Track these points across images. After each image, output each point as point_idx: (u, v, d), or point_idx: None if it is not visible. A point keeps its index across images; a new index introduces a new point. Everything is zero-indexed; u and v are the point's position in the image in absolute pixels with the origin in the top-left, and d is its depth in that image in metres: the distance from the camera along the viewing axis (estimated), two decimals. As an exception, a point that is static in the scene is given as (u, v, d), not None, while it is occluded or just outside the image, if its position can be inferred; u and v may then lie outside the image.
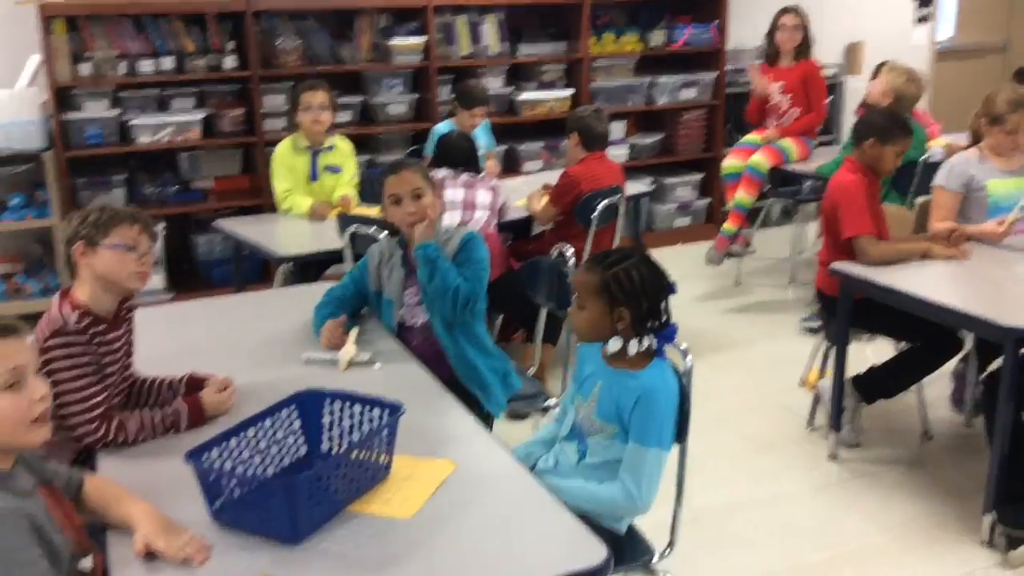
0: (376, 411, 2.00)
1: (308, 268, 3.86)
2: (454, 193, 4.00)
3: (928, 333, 3.40)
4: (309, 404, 2.05)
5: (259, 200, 5.20)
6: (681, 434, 2.16)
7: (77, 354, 2.10)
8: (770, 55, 5.31)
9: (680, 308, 2.42)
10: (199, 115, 5.11)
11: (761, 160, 5.09)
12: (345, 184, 4.43)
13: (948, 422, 3.82)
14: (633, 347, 2.09)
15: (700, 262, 5.38)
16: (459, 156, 4.16)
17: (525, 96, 5.79)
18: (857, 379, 3.54)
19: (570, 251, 3.07)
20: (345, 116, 5.32)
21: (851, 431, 3.56)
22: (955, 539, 3.02)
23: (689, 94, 6.19)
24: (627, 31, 6.09)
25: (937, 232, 3.48)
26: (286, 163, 4.43)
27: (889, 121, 3.51)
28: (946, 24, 7.79)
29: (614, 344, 2.10)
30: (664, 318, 2.11)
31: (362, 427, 2.01)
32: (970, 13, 7.92)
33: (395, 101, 5.54)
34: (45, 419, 1.65)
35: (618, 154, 5.90)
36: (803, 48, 5.18)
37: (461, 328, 2.74)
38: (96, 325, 2.16)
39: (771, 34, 5.27)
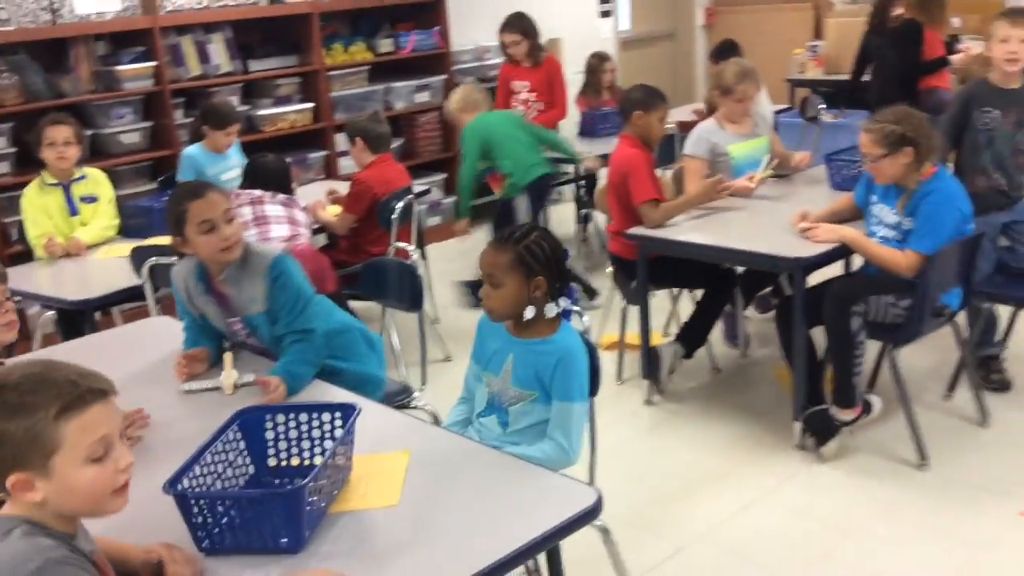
0: (327, 415, 1.99)
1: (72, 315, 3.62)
2: (274, 209, 3.88)
3: (710, 277, 3.88)
4: (250, 422, 1.99)
5: None
6: (594, 387, 2.35)
7: None
8: (512, 61, 5.67)
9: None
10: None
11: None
12: (102, 213, 4.18)
13: (728, 356, 4.33)
14: (551, 310, 2.25)
15: (463, 256, 5.61)
16: (272, 177, 4.03)
17: (264, 112, 5.70)
18: (679, 338, 3.94)
19: (412, 248, 3.16)
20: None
21: (668, 379, 3.95)
22: (772, 449, 3.49)
23: (423, 97, 6.41)
24: (354, 41, 6.18)
25: (704, 186, 3.92)
26: (36, 205, 4.12)
27: (647, 93, 3.92)
28: (624, 17, 8.63)
29: (529, 312, 2.24)
30: (568, 281, 2.30)
31: (311, 433, 2.00)
32: (640, 7, 8.84)
33: (127, 130, 5.23)
34: (126, 487, 1.52)
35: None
36: (534, 53, 5.58)
37: None
38: None
39: (503, 47, 5.65)
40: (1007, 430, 3.48)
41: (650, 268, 3.76)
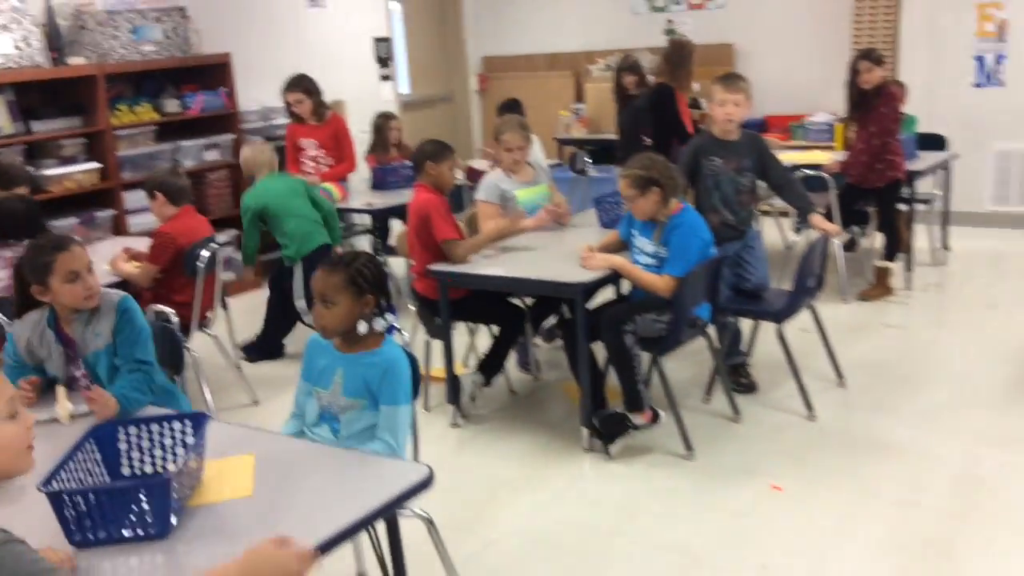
0: (177, 424, 2.20)
1: None
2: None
3: (503, 312, 4.31)
4: (104, 436, 2.16)
5: None
6: (416, 391, 2.67)
7: None
8: (297, 120, 5.93)
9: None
10: None
11: (310, 205, 5.67)
12: None
13: (522, 380, 4.77)
14: (380, 324, 2.56)
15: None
16: (17, 220, 4.06)
17: (49, 172, 5.65)
18: (480, 367, 4.32)
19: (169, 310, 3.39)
20: None
21: (470, 404, 4.31)
22: (565, 453, 3.92)
23: (212, 156, 6.54)
24: (139, 101, 6.24)
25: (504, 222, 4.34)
26: None
27: (437, 146, 4.33)
28: (404, 81, 9.12)
29: (362, 327, 2.55)
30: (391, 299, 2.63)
31: (163, 442, 2.20)
32: (418, 72, 9.38)
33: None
34: (32, 448, 1.70)
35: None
36: (318, 110, 5.89)
37: None
38: None
39: (287, 107, 5.91)
40: (756, 423, 4.11)
41: (451, 306, 4.14)
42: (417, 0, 9.27)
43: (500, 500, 3.59)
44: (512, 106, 6.19)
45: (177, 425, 2.20)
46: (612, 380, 3.99)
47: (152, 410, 2.60)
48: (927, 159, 6.02)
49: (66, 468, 1.98)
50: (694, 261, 3.76)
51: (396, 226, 6.20)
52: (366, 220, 6.43)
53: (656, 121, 6.24)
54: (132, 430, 2.18)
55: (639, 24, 8.90)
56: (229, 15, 7.00)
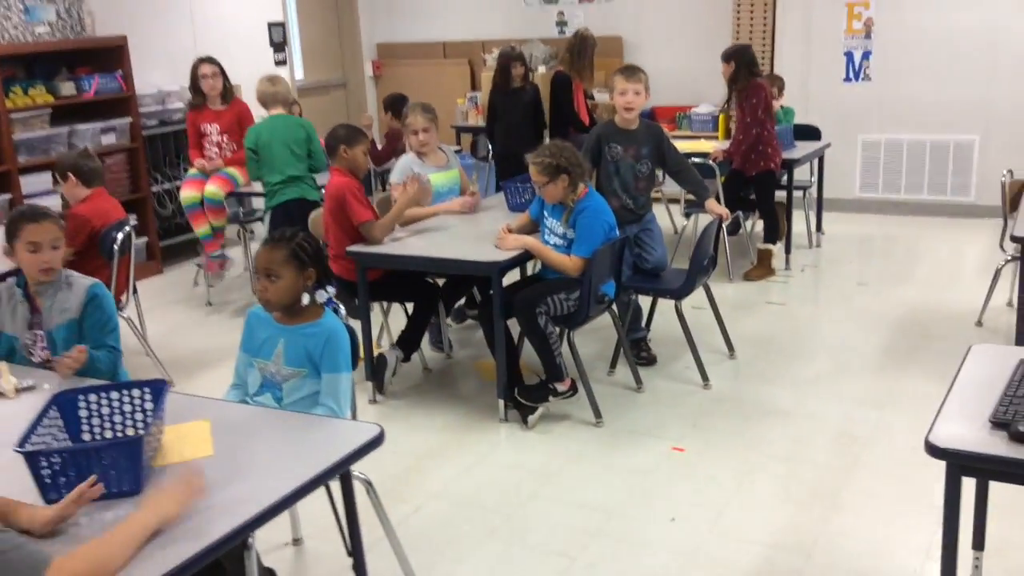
0: (136, 391, 2.30)
1: None
2: None
3: (417, 291, 4.48)
4: (65, 403, 2.25)
5: None
6: (354, 361, 2.83)
7: None
8: (198, 102, 5.91)
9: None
10: None
11: (215, 189, 5.70)
12: None
13: (436, 358, 4.95)
14: (322, 296, 2.71)
15: (173, 293, 5.79)
16: None
17: (-59, 156, 5.50)
18: (398, 342, 4.47)
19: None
20: None
21: (390, 380, 4.46)
22: (482, 424, 4.14)
23: (109, 139, 6.45)
24: (33, 84, 6.10)
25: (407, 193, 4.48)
26: None
27: (349, 130, 4.44)
28: (298, 67, 9.12)
29: (305, 299, 2.69)
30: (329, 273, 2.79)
31: (123, 408, 2.30)
32: (312, 58, 9.38)
33: None
34: None
35: (52, 204, 5.92)
36: (227, 92, 5.90)
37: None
38: None
39: (194, 84, 5.87)
40: (657, 393, 4.41)
41: (368, 286, 4.28)
42: (311, -14, 9.27)
43: (424, 468, 3.78)
44: (398, 100, 6.34)
45: (136, 392, 2.30)
46: (523, 357, 4.23)
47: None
48: (804, 148, 6.48)
49: (36, 432, 2.07)
50: (599, 242, 4.02)
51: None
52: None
53: (554, 109, 6.50)
54: (92, 397, 2.28)
55: (532, 15, 9.16)
56: (124, -3, 6.90)
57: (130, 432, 2.28)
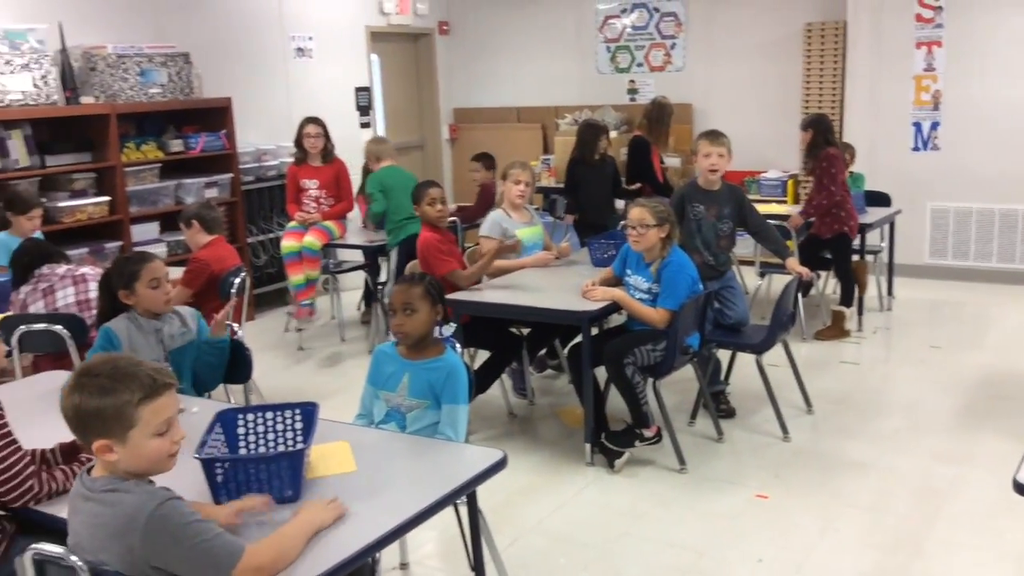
0: (289, 412, 2.56)
1: None
2: (63, 281, 4.24)
3: (502, 340, 4.72)
4: (227, 420, 2.51)
5: None
6: (471, 394, 3.07)
7: (5, 425, 2.28)
8: (300, 158, 6.30)
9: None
10: None
11: (313, 241, 6.05)
12: None
13: (519, 404, 5.16)
14: (448, 330, 2.97)
15: (265, 338, 6.10)
16: (46, 255, 4.38)
17: (62, 204, 5.92)
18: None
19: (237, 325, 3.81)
20: None
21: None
22: (568, 467, 4.33)
23: (212, 193, 6.86)
24: (146, 140, 6.55)
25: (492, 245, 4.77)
26: None
27: (417, 188, 4.77)
28: (381, 129, 9.55)
29: (436, 332, 2.95)
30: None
31: (276, 427, 2.55)
32: (394, 121, 9.83)
33: (-74, 219, 5.27)
34: (176, 455, 2.00)
35: (157, 251, 6.32)
36: (327, 151, 6.28)
37: None
38: None
39: (299, 142, 6.27)
40: (737, 443, 4.56)
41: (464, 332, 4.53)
42: (395, 53, 9.74)
43: (517, 504, 3.97)
44: (488, 156, 6.71)
45: (289, 413, 2.55)
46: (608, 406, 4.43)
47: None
48: (875, 214, 6.65)
49: (208, 443, 2.33)
50: (685, 295, 4.23)
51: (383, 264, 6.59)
52: (357, 257, 6.84)
53: (632, 170, 6.78)
54: (250, 416, 2.53)
55: (604, 82, 9.51)
56: (227, 62, 7.39)
57: (280, 450, 2.52)
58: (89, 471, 1.99)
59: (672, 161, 8.09)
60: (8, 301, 4.22)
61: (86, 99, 6.17)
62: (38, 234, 5.08)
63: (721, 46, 8.81)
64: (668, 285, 4.24)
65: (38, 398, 3.21)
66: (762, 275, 6.57)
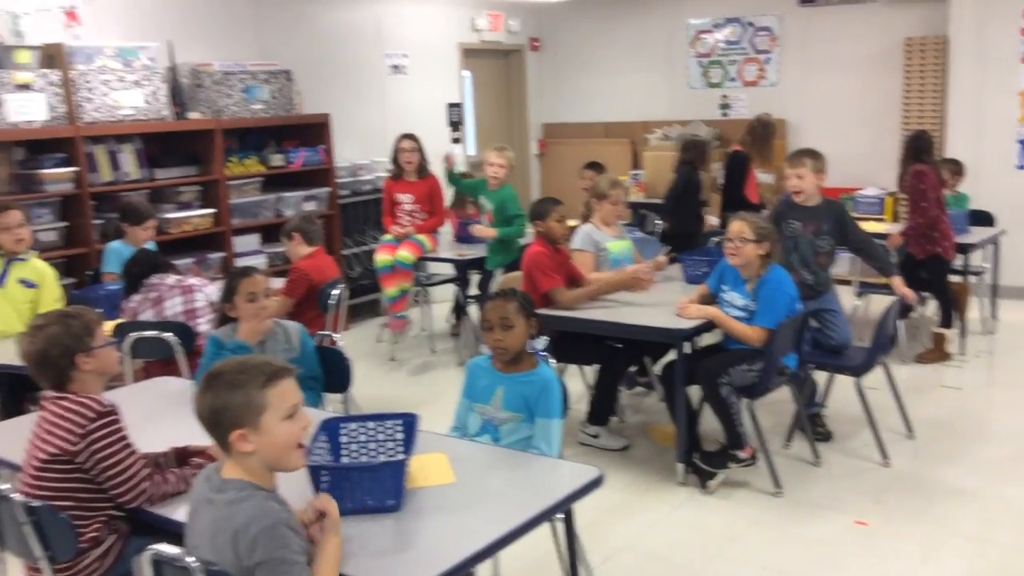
0: (390, 422, 2.61)
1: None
2: (172, 291, 4.42)
3: (600, 353, 4.70)
4: (331, 428, 2.57)
5: None
6: (564, 408, 3.08)
7: (121, 428, 2.38)
8: (395, 173, 6.42)
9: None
10: None
11: (406, 254, 6.16)
12: (47, 302, 4.47)
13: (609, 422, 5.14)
14: (541, 343, 2.99)
15: (358, 348, 6.22)
16: (156, 265, 4.55)
17: (169, 216, 6.14)
18: (588, 417, 4.72)
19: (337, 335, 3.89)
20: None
21: (613, 440, 4.72)
22: (660, 486, 4.29)
23: (310, 206, 7.03)
24: (248, 155, 6.77)
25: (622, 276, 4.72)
26: None
27: (541, 204, 4.74)
28: (471, 144, 9.66)
29: (529, 346, 2.97)
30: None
31: (377, 436, 2.60)
32: (484, 137, 9.91)
33: (44, 229, 5.53)
34: (303, 448, 2.06)
35: (257, 263, 6.51)
36: (423, 167, 6.39)
37: None
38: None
39: (395, 158, 6.39)
40: (834, 467, 4.46)
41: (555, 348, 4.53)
42: (486, 69, 9.85)
43: (608, 522, 3.95)
44: (596, 165, 6.72)
45: (390, 423, 2.60)
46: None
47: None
48: (978, 234, 6.43)
49: (313, 450, 2.39)
50: (783, 314, 4.15)
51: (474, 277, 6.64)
52: (446, 270, 6.92)
53: (728, 187, 6.71)
54: (353, 425, 2.59)
55: (695, 97, 9.44)
56: (326, 79, 7.58)
57: (382, 459, 2.57)
58: (219, 470, 2.06)
59: (765, 178, 7.97)
60: (120, 309, 4.40)
61: (193, 114, 6.40)
62: (151, 244, 5.28)
63: (817, 61, 8.67)
64: (766, 303, 4.17)
65: (149, 403, 3.35)
66: (860, 295, 6.41)
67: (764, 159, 6.60)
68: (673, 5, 9.39)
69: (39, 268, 4.57)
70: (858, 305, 6.28)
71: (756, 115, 7.04)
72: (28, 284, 4.49)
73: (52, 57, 5.62)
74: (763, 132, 6.62)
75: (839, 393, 4.86)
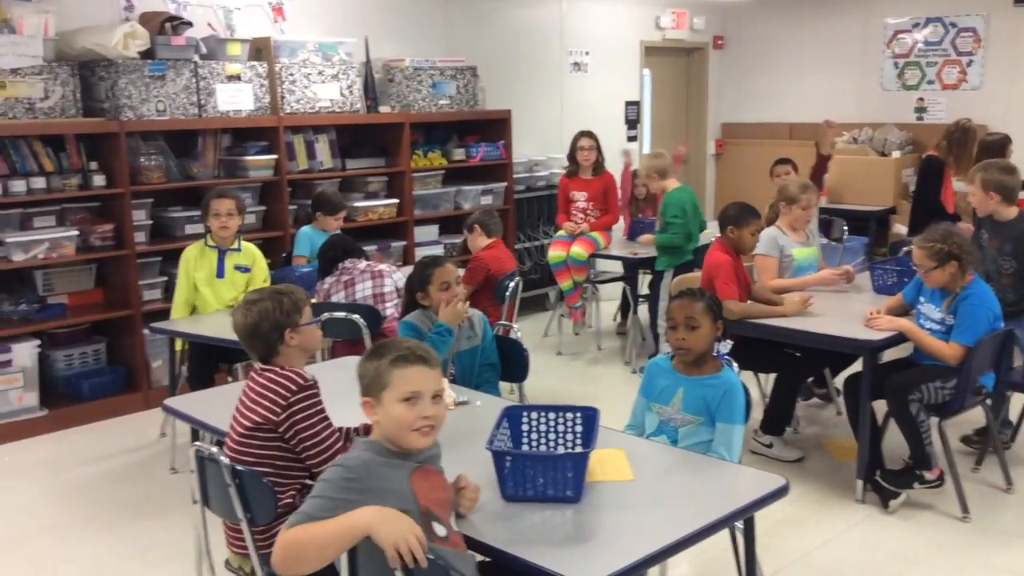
0: (570, 415, 2.63)
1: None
2: (363, 275, 4.64)
3: (783, 361, 4.57)
4: (513, 416, 2.63)
5: (112, 313, 5.37)
6: (747, 415, 3.02)
7: (320, 402, 2.52)
8: (571, 170, 6.46)
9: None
10: (71, 232, 5.16)
11: (579, 251, 6.20)
12: (258, 282, 4.78)
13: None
14: (726, 347, 2.95)
15: (525, 341, 6.29)
16: (350, 250, 4.76)
17: (357, 204, 6.42)
18: (762, 425, 4.62)
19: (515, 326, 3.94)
20: (198, 228, 5.55)
21: (788, 451, 4.62)
22: (837, 502, 4.14)
23: (487, 200, 7.18)
24: (432, 148, 6.98)
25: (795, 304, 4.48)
26: (188, 266, 4.73)
27: (740, 211, 4.57)
28: (647, 143, 9.59)
29: (713, 348, 2.94)
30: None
31: (557, 427, 2.63)
32: (660, 135, 9.83)
33: (247, 212, 5.87)
34: (428, 432, 2.11)
35: (434, 252, 6.71)
36: (599, 164, 6.40)
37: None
38: None
39: (572, 155, 6.43)
40: (1028, 496, 4.18)
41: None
42: (667, 67, 9.75)
43: (780, 534, 3.85)
44: (786, 161, 6.57)
45: (570, 415, 2.63)
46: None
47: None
48: None
49: (496, 437, 2.45)
50: (983, 331, 3.91)
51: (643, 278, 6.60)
52: (616, 268, 6.91)
53: (920, 193, 6.39)
54: (534, 415, 2.63)
55: (888, 99, 9.03)
56: (509, 75, 7.72)
57: (561, 450, 2.60)
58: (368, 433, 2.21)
59: (960, 186, 7.52)
60: (314, 290, 4.64)
61: (384, 108, 6.66)
62: (338, 231, 5.54)
63: (1028, 64, 8.10)
64: (964, 319, 3.93)
65: (338, 380, 3.50)
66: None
67: (961, 167, 6.22)
68: (870, 3, 9.01)
69: (251, 252, 4.88)
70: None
71: (955, 120, 6.64)
72: (243, 269, 4.82)
73: (260, 50, 5.99)
74: (962, 138, 6.25)
75: (1039, 418, 4.54)
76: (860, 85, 9.19)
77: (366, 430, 2.74)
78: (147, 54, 5.41)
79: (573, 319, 6.40)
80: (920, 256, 3.98)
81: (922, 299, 4.16)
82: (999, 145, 6.28)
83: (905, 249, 5.78)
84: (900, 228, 7.42)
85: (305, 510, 2.00)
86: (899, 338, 4.11)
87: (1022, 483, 4.26)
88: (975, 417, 4.38)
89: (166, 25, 5.50)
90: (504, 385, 3.96)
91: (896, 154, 8.58)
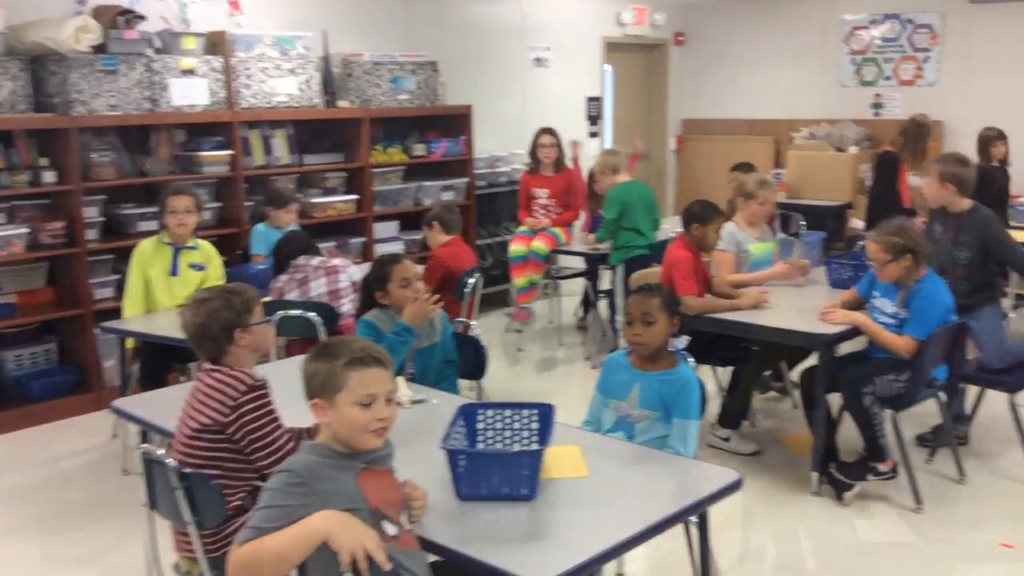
0: (526, 412, 2.62)
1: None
2: (317, 272, 4.60)
3: (738, 354, 4.60)
4: (468, 414, 2.61)
5: (63, 312, 5.28)
6: (702, 410, 3.03)
7: (270, 403, 2.49)
8: (533, 167, 6.46)
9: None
10: (21, 229, 5.05)
11: (541, 245, 6.19)
12: (213, 280, 4.71)
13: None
14: (683, 341, 2.95)
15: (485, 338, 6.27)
16: (305, 247, 4.72)
17: (315, 200, 6.36)
18: (720, 419, 4.64)
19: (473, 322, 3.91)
20: (151, 224, 5.46)
21: (745, 445, 4.64)
22: (793, 495, 4.17)
23: (448, 195, 7.15)
24: (392, 144, 6.93)
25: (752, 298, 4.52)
26: (142, 261, 4.64)
27: (705, 209, 4.55)
28: (608, 139, 9.61)
29: (670, 344, 2.94)
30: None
31: (513, 425, 2.62)
32: (621, 131, 9.85)
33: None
34: (381, 433, 2.09)
35: (394, 248, 6.66)
36: (559, 161, 6.40)
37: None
38: None
39: (533, 152, 6.42)
40: (979, 487, 4.23)
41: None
42: (628, 63, 9.77)
43: (737, 527, 3.87)
44: (745, 166, 6.56)
45: (526, 412, 2.62)
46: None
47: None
48: None
49: (451, 435, 2.43)
50: (935, 325, 3.96)
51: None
52: (577, 263, 6.90)
53: (878, 188, 6.46)
54: (490, 412, 2.62)
55: (846, 96, 9.12)
56: (470, 71, 7.69)
57: (516, 448, 2.59)
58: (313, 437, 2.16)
59: (914, 181, 7.62)
60: (268, 288, 4.59)
61: (343, 103, 6.59)
62: (295, 227, 5.49)
63: (981, 60, 8.23)
64: (917, 313, 3.98)
65: (291, 380, 3.46)
66: (1015, 307, 6.06)
67: (917, 162, 6.30)
68: (828, 0, 9.09)
69: (206, 250, 4.80)
70: (1013, 317, 5.93)
71: (911, 115, 6.73)
72: (198, 267, 4.74)
73: (215, 44, 5.91)
74: (917, 133, 6.33)
75: (991, 408, 4.61)
76: (818, 81, 9.28)
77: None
78: (100, 48, 5.31)
79: (517, 318, 6.37)
80: (875, 250, 4.02)
81: (876, 293, 4.20)
82: (987, 140, 6.43)
83: (860, 243, 5.85)
84: (857, 223, 7.50)
85: (255, 524, 1.95)
86: (854, 332, 4.15)
87: (975, 474, 4.33)
88: (932, 419, 4.44)
89: (119, 19, 5.41)
90: (463, 382, 3.94)
91: (853, 150, 8.68)
